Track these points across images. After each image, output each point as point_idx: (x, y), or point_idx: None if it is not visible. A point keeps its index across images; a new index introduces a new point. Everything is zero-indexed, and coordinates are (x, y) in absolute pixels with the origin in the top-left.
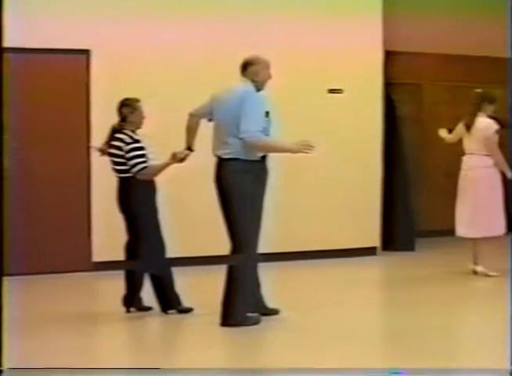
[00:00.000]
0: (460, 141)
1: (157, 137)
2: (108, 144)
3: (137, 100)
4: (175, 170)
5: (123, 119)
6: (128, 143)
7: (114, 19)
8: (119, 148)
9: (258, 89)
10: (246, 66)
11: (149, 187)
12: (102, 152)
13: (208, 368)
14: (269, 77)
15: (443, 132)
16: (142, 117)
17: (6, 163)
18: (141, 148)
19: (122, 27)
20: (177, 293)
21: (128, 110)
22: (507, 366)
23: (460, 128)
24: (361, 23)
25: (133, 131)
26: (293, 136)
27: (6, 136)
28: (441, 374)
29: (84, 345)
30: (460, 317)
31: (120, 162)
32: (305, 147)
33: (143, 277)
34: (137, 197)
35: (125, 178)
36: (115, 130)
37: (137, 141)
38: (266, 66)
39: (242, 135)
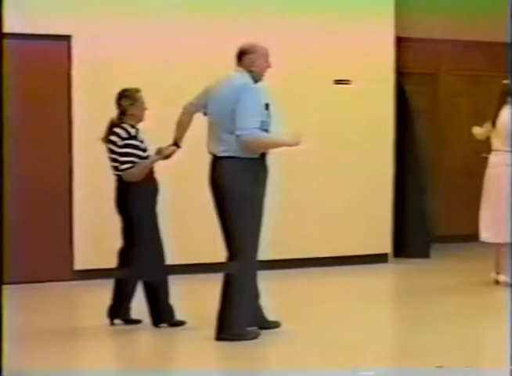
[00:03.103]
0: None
1: (148, 132)
2: (106, 139)
3: (137, 91)
4: (168, 170)
5: (122, 112)
6: (124, 139)
7: (98, 2)
8: (115, 143)
9: (256, 80)
10: (241, 56)
11: (150, 187)
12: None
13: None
14: (267, 66)
15: (476, 129)
16: (143, 110)
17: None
18: (134, 146)
19: (107, 11)
20: (171, 305)
21: (128, 101)
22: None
23: (488, 124)
24: (370, 6)
25: (132, 126)
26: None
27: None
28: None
29: (65, 361)
30: (479, 333)
31: (116, 159)
32: (298, 139)
33: (135, 287)
34: (136, 198)
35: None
36: (113, 124)
37: (133, 137)
38: (263, 54)
39: (237, 133)
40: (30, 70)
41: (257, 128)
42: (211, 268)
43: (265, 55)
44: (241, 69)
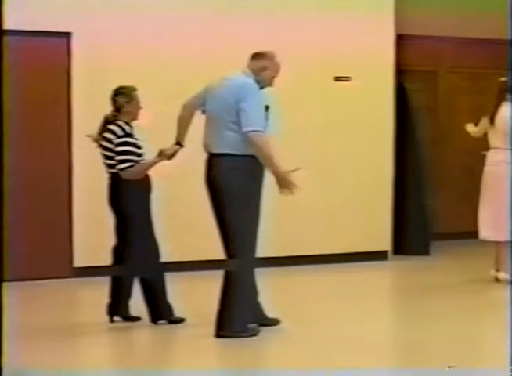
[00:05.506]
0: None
1: (147, 130)
2: (100, 136)
3: (133, 89)
4: (167, 167)
5: (117, 109)
6: (119, 136)
7: None
8: (110, 140)
9: (260, 87)
10: (256, 57)
11: (143, 185)
12: (97, 142)
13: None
14: (272, 82)
15: (470, 127)
16: (138, 108)
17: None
18: (131, 144)
19: (107, 8)
20: (169, 303)
21: (124, 99)
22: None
23: (485, 121)
24: (370, 4)
25: (127, 123)
26: (295, 130)
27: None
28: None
29: (65, 358)
30: (478, 331)
31: (111, 156)
32: (291, 183)
33: (132, 284)
34: (129, 196)
35: (116, 173)
36: (107, 121)
37: (129, 135)
38: (275, 68)
39: (246, 129)
40: (30, 67)
41: (263, 127)
42: (210, 265)
43: (277, 70)
44: (248, 70)
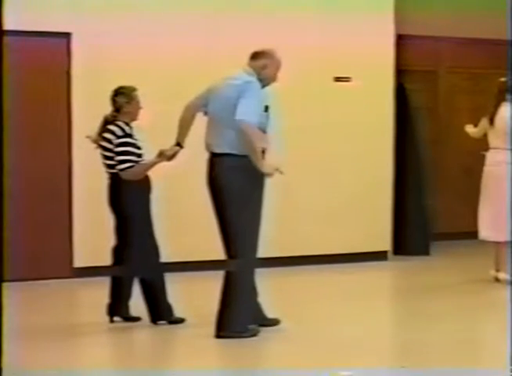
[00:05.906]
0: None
1: (147, 131)
2: (100, 136)
3: (133, 89)
4: (167, 167)
5: (117, 109)
6: (119, 137)
7: None
8: (109, 141)
9: (262, 86)
10: (256, 56)
11: (143, 185)
12: (97, 143)
13: None
14: (275, 78)
15: (469, 128)
16: (138, 108)
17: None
18: (131, 144)
19: (107, 8)
20: (169, 303)
21: (124, 99)
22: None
23: (485, 121)
24: (370, 4)
25: (127, 124)
26: (295, 130)
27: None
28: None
29: (65, 359)
30: (478, 331)
31: (111, 156)
32: (275, 172)
33: (132, 284)
34: (129, 196)
35: (116, 174)
36: (107, 121)
37: (128, 135)
38: (277, 65)
39: (238, 117)
40: (30, 67)
41: (255, 122)
42: (210, 265)
43: (278, 66)
44: (250, 69)
